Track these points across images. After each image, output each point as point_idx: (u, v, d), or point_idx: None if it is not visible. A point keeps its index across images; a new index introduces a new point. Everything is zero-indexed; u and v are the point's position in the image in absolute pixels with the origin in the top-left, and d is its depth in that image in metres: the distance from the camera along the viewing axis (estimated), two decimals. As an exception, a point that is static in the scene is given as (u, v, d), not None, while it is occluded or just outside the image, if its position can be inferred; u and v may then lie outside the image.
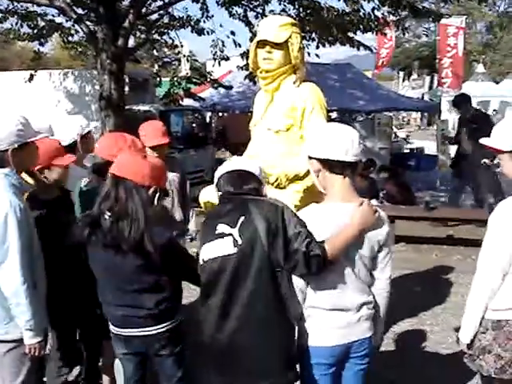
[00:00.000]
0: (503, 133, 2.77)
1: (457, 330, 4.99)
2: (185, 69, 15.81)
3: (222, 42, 11.46)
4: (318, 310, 2.69)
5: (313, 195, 3.53)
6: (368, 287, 2.76)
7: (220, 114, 17.59)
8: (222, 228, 2.59)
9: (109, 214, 2.83)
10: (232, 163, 2.79)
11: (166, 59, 15.65)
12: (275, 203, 2.62)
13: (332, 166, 2.63)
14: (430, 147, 17.53)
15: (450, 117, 25.69)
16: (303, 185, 3.52)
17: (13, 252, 2.84)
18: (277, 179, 3.39)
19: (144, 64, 18.17)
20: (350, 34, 10.11)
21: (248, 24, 10.47)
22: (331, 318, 2.69)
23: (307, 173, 3.49)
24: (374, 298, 2.78)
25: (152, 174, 2.89)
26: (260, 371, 2.61)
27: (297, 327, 2.72)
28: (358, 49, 10.64)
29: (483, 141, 2.85)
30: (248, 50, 11.31)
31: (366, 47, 10.70)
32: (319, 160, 2.66)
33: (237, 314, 2.58)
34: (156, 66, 15.53)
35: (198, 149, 13.06)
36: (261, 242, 2.53)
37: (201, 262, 2.66)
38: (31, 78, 11.41)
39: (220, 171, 2.79)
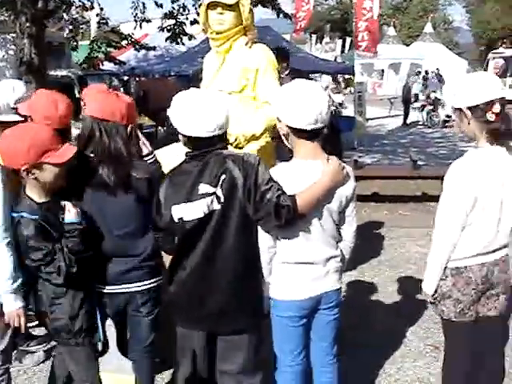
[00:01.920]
0: (454, 90, 2.91)
1: (396, 280, 5.36)
2: (94, 31, 15.41)
3: (143, 3, 11.26)
4: (287, 264, 2.79)
5: (267, 154, 3.64)
6: (335, 241, 2.88)
7: (137, 79, 17.27)
8: (204, 188, 2.61)
9: (92, 155, 2.86)
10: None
11: (75, 23, 15.15)
12: (250, 159, 2.66)
13: (300, 132, 2.70)
14: (348, 109, 17.98)
15: (362, 79, 26.30)
16: (259, 144, 3.61)
17: None
18: (236, 139, 3.43)
19: (52, 28, 17.53)
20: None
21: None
22: (300, 272, 2.79)
23: (263, 133, 3.57)
24: (340, 251, 2.90)
25: (128, 112, 2.93)
26: (230, 317, 2.75)
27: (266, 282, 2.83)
28: (278, 16, 10.70)
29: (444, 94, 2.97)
30: (170, 12, 11.23)
31: (286, 15, 10.76)
32: (287, 126, 2.73)
33: (217, 266, 2.68)
34: (67, 30, 15.01)
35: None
36: (239, 198, 2.61)
37: (176, 220, 2.67)
38: None
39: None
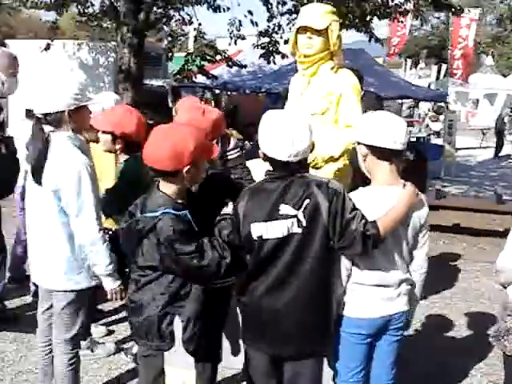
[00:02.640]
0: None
1: (466, 313, 5.28)
2: (191, 44, 15.86)
3: (239, 21, 11.53)
4: (363, 285, 2.89)
5: (345, 177, 3.71)
6: (407, 265, 2.96)
7: (229, 93, 17.64)
8: (285, 209, 2.67)
9: None
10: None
11: (173, 35, 15.66)
12: (335, 186, 2.72)
13: (380, 152, 2.80)
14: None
15: (455, 108, 25.75)
16: (336, 167, 3.68)
17: (88, 205, 3.12)
18: (314, 160, 3.52)
19: (150, 39, 18.18)
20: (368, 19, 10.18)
21: (266, 3, 10.52)
22: (374, 293, 2.88)
23: (340, 155, 3.65)
24: (411, 275, 2.97)
25: (213, 126, 3.31)
26: (304, 339, 2.80)
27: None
28: (370, 41, 10.69)
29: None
30: (265, 30, 11.47)
31: (378, 40, 10.75)
32: (368, 146, 2.83)
33: (292, 288, 2.72)
34: (165, 41, 15.53)
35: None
36: (323, 224, 2.66)
37: (255, 238, 2.72)
38: (48, 47, 11.44)
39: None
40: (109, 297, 3.35)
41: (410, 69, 37.42)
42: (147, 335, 2.84)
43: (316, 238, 2.68)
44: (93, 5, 11.35)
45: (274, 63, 12.28)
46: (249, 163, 4.06)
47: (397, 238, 2.84)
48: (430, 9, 10.55)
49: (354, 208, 2.68)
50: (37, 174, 3.19)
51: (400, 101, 16.52)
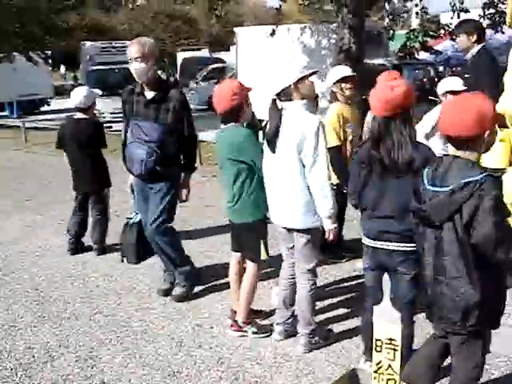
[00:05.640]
0: None
1: None
2: (417, 21, 15.57)
3: (462, -7, 11.18)
4: None
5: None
6: None
7: (453, 69, 17.09)
8: None
9: None
10: None
11: (395, 12, 15.53)
12: None
13: None
14: None
15: None
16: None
17: (321, 156, 3.80)
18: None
19: (373, 17, 18.18)
20: None
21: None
22: None
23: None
24: None
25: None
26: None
27: None
28: None
29: None
30: (490, 1, 10.99)
31: None
32: None
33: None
34: (387, 19, 15.47)
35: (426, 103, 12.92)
36: None
37: None
38: (273, 32, 12.10)
39: None
40: (327, 235, 3.99)
41: None
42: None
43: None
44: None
45: (503, 33, 11.71)
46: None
47: None
48: None
49: None
50: (272, 143, 3.95)
51: None
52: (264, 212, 4.30)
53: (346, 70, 5.43)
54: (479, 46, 5.64)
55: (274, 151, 3.97)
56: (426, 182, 2.82)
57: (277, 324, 4.38)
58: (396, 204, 3.32)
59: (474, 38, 5.62)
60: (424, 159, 3.16)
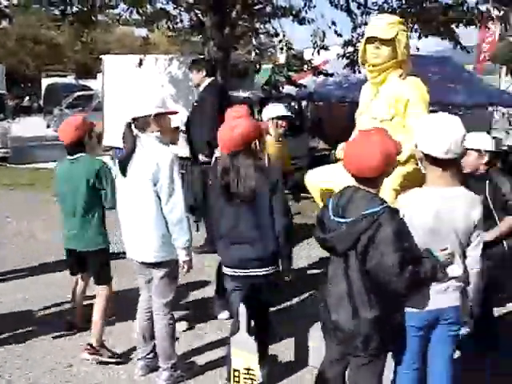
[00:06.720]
0: None
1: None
2: (283, 57, 16.09)
3: (323, 32, 11.69)
4: None
5: (412, 180, 3.80)
6: (459, 263, 3.04)
7: (316, 103, 17.77)
8: None
9: None
10: None
11: (263, 47, 15.96)
12: None
13: (432, 159, 2.95)
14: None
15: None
16: (405, 170, 3.77)
17: (177, 188, 3.82)
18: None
19: (241, 51, 18.57)
20: (452, 27, 10.08)
21: (350, 14, 10.62)
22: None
23: (407, 160, 3.76)
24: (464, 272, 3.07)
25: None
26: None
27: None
28: (455, 47, 10.50)
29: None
30: (349, 40, 11.58)
31: (463, 47, 10.56)
32: (422, 152, 2.95)
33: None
34: (253, 54, 15.85)
35: (293, 137, 13.30)
36: None
37: None
38: (141, 62, 12.00)
39: None
40: (180, 266, 4.00)
41: (506, 75, 36.23)
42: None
43: None
44: (181, 21, 11.85)
45: (360, 72, 12.34)
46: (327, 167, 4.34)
47: (448, 235, 2.94)
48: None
49: None
50: (124, 167, 3.93)
51: (491, 108, 16.08)
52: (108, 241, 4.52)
53: (281, 110, 5.92)
54: (209, 80, 6.81)
55: (124, 175, 3.95)
56: (330, 212, 2.96)
57: (138, 359, 4.29)
58: (251, 230, 3.62)
59: (204, 73, 6.81)
60: (271, 184, 3.65)
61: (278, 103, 14.32)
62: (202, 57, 7.91)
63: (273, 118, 5.78)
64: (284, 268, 3.80)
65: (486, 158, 4.25)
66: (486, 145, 4.26)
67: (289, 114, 5.87)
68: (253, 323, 3.46)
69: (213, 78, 6.88)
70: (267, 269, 3.67)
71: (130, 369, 4.36)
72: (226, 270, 3.82)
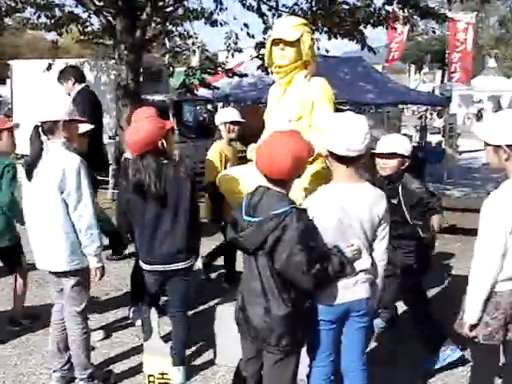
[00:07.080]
0: (491, 126, 3.04)
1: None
2: (197, 60, 16.10)
3: (236, 34, 11.76)
4: None
5: (322, 178, 3.89)
6: (367, 256, 3.14)
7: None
8: None
9: None
10: None
11: (177, 49, 15.88)
12: None
13: (336, 156, 3.03)
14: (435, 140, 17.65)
15: (460, 111, 25.83)
16: (313, 169, 3.84)
17: (86, 195, 3.76)
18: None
19: (155, 54, 18.42)
20: (361, 28, 10.34)
21: (261, 16, 10.71)
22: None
23: (315, 159, 3.83)
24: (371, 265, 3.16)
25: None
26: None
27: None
28: (362, 48, 10.77)
29: (474, 129, 3.16)
30: (261, 42, 11.69)
31: (370, 49, 10.86)
32: (327, 149, 3.04)
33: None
34: (167, 56, 15.76)
35: (208, 139, 13.27)
36: None
37: None
38: (49, 67, 11.73)
39: None
40: (92, 273, 3.95)
41: (415, 74, 37.62)
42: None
43: None
44: (92, 24, 11.67)
45: (271, 73, 12.47)
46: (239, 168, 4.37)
47: (355, 230, 3.03)
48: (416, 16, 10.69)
49: None
50: (30, 172, 3.83)
51: (401, 106, 16.67)
52: None
53: (234, 115, 5.89)
54: (78, 88, 6.70)
55: (30, 179, 3.86)
56: (243, 211, 2.99)
57: (53, 371, 4.18)
58: (165, 227, 3.84)
59: (72, 81, 6.71)
60: (181, 182, 3.83)
61: (192, 105, 14.49)
62: (70, 65, 7.73)
63: (225, 123, 5.81)
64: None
65: (407, 162, 4.35)
66: (409, 150, 4.37)
67: (240, 119, 5.89)
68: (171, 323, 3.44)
69: (83, 86, 6.76)
70: (184, 263, 3.89)
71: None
72: (144, 267, 3.99)
